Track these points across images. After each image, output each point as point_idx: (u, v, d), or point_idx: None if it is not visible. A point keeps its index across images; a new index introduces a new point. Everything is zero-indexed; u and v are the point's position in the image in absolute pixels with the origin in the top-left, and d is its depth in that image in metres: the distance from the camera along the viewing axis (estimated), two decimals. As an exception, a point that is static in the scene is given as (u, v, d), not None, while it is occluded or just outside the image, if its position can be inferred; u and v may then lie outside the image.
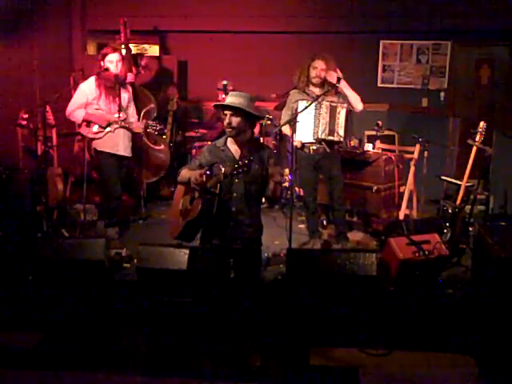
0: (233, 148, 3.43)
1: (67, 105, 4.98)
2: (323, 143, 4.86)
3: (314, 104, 4.72)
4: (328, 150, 4.87)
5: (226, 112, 3.34)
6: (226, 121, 3.33)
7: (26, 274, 4.18)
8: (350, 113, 4.97)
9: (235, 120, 3.33)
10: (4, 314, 3.96)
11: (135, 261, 4.33)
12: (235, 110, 3.32)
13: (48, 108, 5.09)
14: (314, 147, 4.89)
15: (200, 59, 7.11)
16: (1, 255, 4.29)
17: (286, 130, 4.87)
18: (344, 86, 4.82)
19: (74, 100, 4.96)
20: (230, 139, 3.46)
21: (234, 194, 3.39)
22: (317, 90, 4.88)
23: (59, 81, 6.34)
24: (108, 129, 4.91)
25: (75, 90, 5.66)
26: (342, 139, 4.85)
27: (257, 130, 6.39)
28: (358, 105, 4.89)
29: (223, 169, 3.23)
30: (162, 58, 7.07)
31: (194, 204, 3.44)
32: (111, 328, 3.85)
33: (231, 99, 3.34)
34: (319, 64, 4.82)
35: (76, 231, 5.12)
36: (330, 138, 4.82)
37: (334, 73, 4.78)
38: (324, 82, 4.86)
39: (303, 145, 4.91)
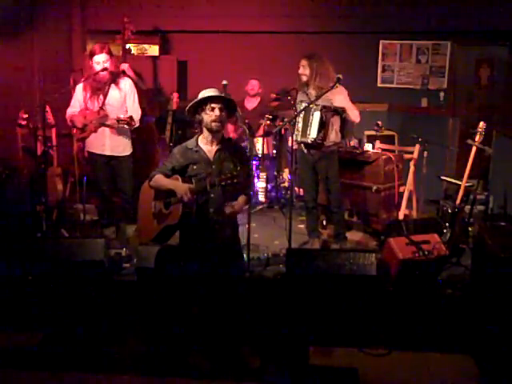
0: (206, 148, 3.34)
1: (67, 105, 4.99)
2: (301, 144, 4.90)
3: (303, 106, 4.75)
4: (305, 151, 4.91)
5: (213, 106, 3.25)
6: (216, 114, 3.24)
7: (25, 274, 4.18)
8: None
9: (224, 114, 3.28)
10: (4, 314, 3.96)
11: (135, 261, 4.34)
12: (224, 104, 3.26)
13: (48, 108, 5.09)
14: (302, 147, 4.91)
15: (200, 59, 7.10)
16: (1, 255, 4.28)
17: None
18: (341, 102, 4.79)
19: (71, 102, 5.01)
20: (201, 139, 3.37)
21: (212, 196, 3.35)
22: (312, 91, 4.87)
23: (59, 81, 6.34)
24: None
25: (75, 90, 5.66)
26: (312, 140, 4.77)
27: (261, 130, 6.37)
28: (356, 118, 4.88)
29: (208, 178, 3.19)
30: (161, 57, 7.07)
31: (172, 209, 3.39)
32: (111, 328, 3.85)
33: (215, 93, 3.29)
34: (301, 62, 4.86)
35: (76, 231, 5.12)
36: (303, 139, 4.84)
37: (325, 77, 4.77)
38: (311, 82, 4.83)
39: (299, 146, 4.95)
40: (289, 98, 6.30)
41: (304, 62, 4.85)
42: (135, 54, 7.17)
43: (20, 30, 6.29)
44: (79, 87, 4.94)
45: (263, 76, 6.57)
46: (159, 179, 3.43)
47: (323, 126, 4.75)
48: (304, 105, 4.76)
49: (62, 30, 6.91)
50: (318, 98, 4.69)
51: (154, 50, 7.38)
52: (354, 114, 4.88)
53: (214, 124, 3.27)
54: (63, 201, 5.43)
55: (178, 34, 7.20)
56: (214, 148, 3.35)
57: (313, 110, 4.76)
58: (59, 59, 6.76)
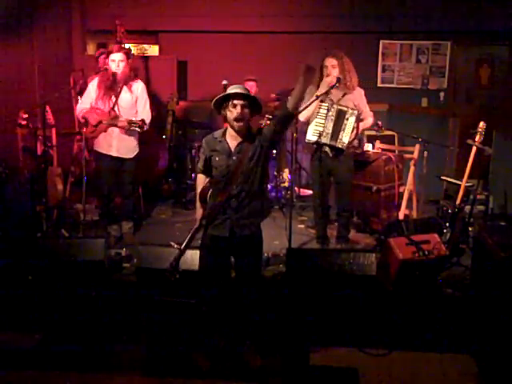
0: (230, 141, 3.29)
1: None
2: (326, 147, 4.74)
3: (326, 105, 4.63)
4: (330, 155, 4.74)
5: (235, 102, 3.19)
6: (238, 111, 3.17)
7: (25, 274, 4.18)
8: None
9: (246, 112, 3.21)
10: (4, 314, 3.96)
11: (135, 261, 4.34)
12: (247, 100, 3.20)
13: (48, 108, 5.10)
14: (323, 149, 4.75)
15: (200, 59, 7.11)
16: (1, 255, 4.29)
17: (302, 117, 4.77)
18: (361, 107, 4.71)
19: (82, 98, 5.04)
20: (228, 132, 3.30)
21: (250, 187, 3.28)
22: (338, 92, 4.71)
23: (59, 81, 6.34)
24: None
25: (75, 90, 5.67)
26: (344, 146, 4.64)
27: None
28: (369, 125, 4.87)
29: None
30: (161, 57, 7.07)
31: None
32: (111, 328, 3.85)
33: (240, 90, 3.25)
34: (329, 61, 4.65)
35: (76, 231, 5.12)
36: (332, 143, 4.67)
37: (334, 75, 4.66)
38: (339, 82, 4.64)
39: (315, 147, 4.79)
40: (289, 97, 6.30)
41: (333, 62, 4.65)
42: (135, 54, 7.18)
43: (20, 30, 6.29)
44: (92, 84, 4.96)
45: (263, 76, 6.57)
46: (198, 182, 3.51)
47: (353, 130, 4.63)
48: (326, 105, 4.63)
49: (62, 30, 6.91)
50: (325, 93, 4.58)
51: (153, 50, 7.40)
52: (368, 122, 4.84)
53: (235, 123, 3.21)
54: (63, 201, 5.43)
55: (178, 34, 7.19)
56: (237, 141, 3.30)
57: (348, 114, 4.59)
58: (59, 59, 6.76)
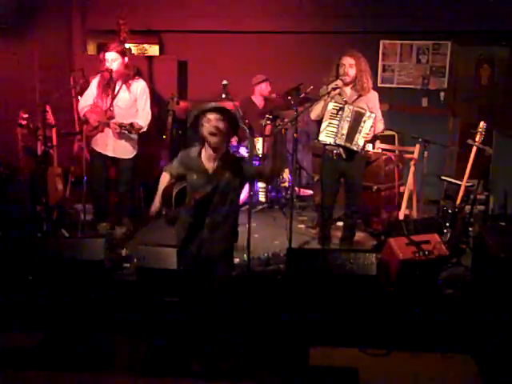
0: (206, 162, 3.25)
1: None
2: (340, 148, 4.64)
3: (340, 105, 4.54)
4: (344, 156, 4.64)
5: (210, 117, 3.13)
6: (213, 124, 3.10)
7: (25, 274, 4.18)
8: None
9: (222, 125, 3.14)
10: (4, 314, 3.96)
11: (135, 261, 4.34)
12: (223, 115, 3.15)
13: (48, 108, 5.10)
14: (335, 151, 4.66)
15: (200, 59, 7.11)
16: (1, 255, 4.28)
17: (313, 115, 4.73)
18: (373, 110, 4.60)
19: (83, 96, 5.06)
20: (204, 153, 3.24)
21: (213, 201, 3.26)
22: (348, 90, 4.67)
23: (59, 81, 6.35)
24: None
25: (75, 89, 5.66)
26: (359, 149, 4.56)
27: (267, 131, 6.34)
28: (379, 131, 4.78)
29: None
30: (161, 57, 7.07)
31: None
32: (111, 328, 3.85)
33: (216, 104, 3.22)
34: (347, 60, 4.57)
35: (76, 231, 5.12)
36: (347, 144, 4.56)
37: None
38: (356, 82, 4.62)
39: (326, 148, 4.70)
40: (289, 98, 6.30)
41: (351, 61, 4.57)
42: (135, 53, 7.18)
43: (20, 30, 6.30)
44: (94, 81, 4.98)
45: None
46: (162, 180, 3.40)
47: (368, 134, 4.55)
48: (340, 105, 4.55)
49: (62, 30, 6.92)
50: (327, 93, 4.53)
51: (154, 49, 7.39)
52: (378, 128, 4.73)
53: (210, 137, 3.13)
54: (63, 201, 5.43)
55: (178, 34, 7.19)
56: (215, 164, 3.25)
57: (366, 117, 4.49)
58: (59, 59, 6.77)
